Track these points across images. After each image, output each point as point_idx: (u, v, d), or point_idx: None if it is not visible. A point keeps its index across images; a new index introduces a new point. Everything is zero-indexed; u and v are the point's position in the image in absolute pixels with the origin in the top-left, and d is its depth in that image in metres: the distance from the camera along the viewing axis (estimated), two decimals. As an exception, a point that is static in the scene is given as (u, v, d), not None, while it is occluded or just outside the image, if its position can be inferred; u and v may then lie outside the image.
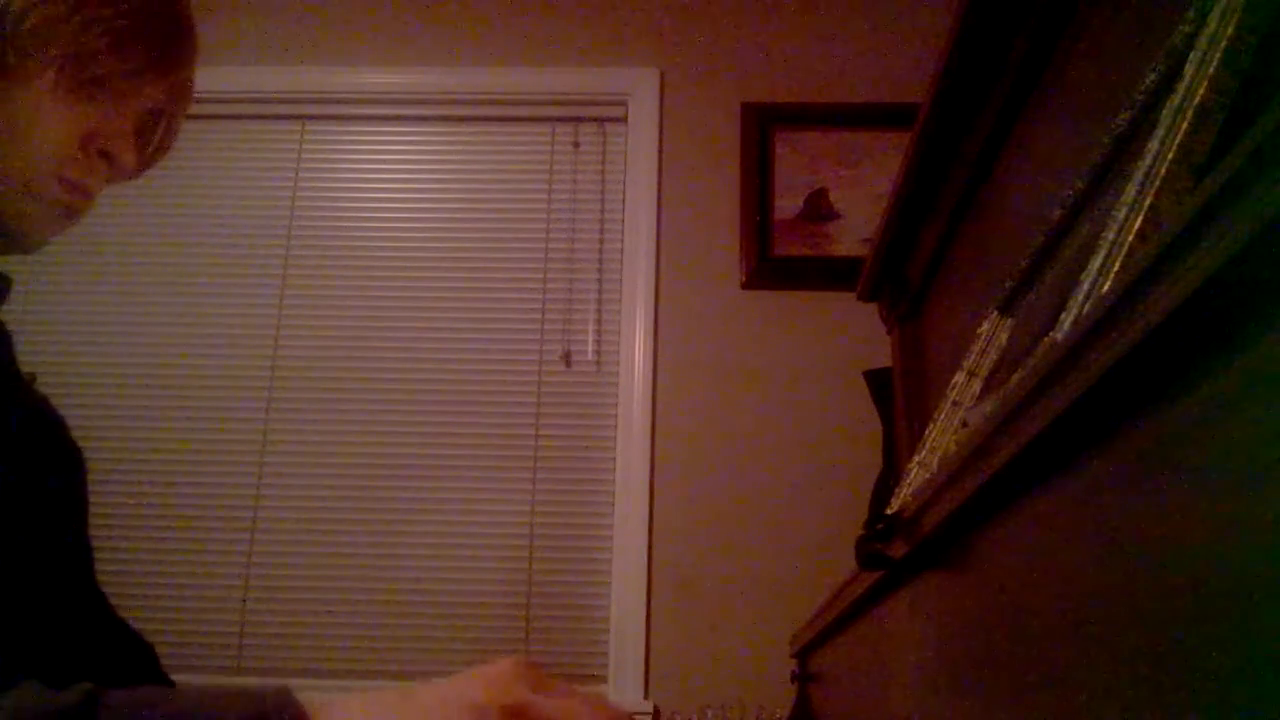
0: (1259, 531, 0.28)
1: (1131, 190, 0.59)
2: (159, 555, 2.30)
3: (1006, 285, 0.89)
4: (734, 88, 2.51)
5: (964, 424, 0.89)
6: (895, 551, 0.70)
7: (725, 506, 2.25)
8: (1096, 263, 0.60)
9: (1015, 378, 0.70)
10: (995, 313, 0.91)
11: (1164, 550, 0.34)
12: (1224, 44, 0.55)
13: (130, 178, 0.84)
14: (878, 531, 0.70)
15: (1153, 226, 0.56)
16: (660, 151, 2.48)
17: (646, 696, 2.13)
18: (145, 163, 0.86)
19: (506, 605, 2.25)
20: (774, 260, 2.39)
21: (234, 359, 2.42)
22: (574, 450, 2.34)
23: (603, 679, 2.17)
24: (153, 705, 0.50)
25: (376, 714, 0.52)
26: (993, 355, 0.89)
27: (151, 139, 0.85)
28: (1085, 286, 0.60)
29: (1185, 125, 0.55)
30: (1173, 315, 0.32)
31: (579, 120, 2.54)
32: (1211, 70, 0.55)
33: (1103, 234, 0.61)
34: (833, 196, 2.42)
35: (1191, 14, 0.61)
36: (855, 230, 2.37)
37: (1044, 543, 0.47)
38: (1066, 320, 0.62)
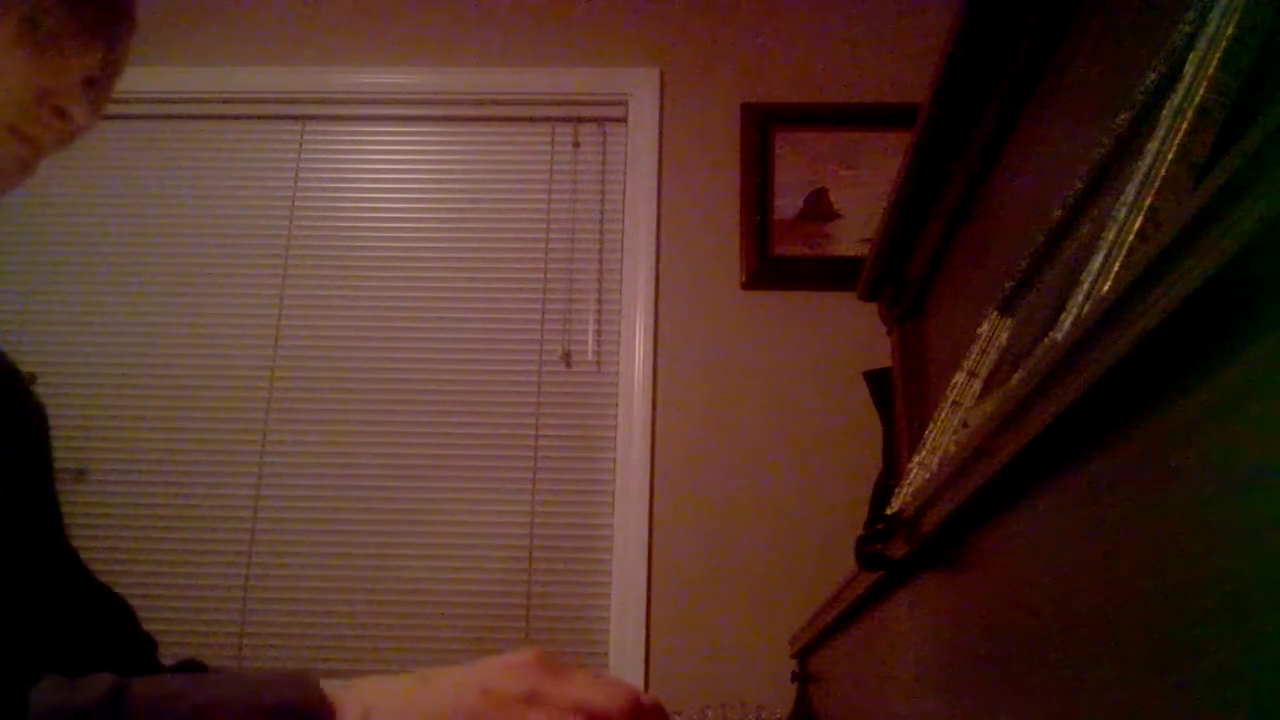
0: (1259, 531, 0.28)
1: (1131, 190, 0.59)
2: (159, 555, 2.29)
3: (1006, 285, 0.89)
4: (734, 88, 2.51)
5: (964, 424, 0.89)
6: (895, 552, 0.70)
7: (725, 506, 2.25)
8: (1096, 263, 0.60)
9: (1015, 378, 0.70)
10: (995, 313, 0.91)
11: (1164, 550, 0.34)
12: (1224, 44, 0.55)
13: (76, 138, 0.87)
14: (878, 532, 0.70)
15: (1153, 226, 0.56)
16: (660, 151, 2.47)
17: (646, 696, 2.13)
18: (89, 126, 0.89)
19: (506, 605, 2.25)
20: (774, 260, 2.39)
21: (234, 359, 2.42)
22: (574, 450, 2.34)
23: (603, 679, 2.17)
24: (177, 697, 0.51)
25: (394, 698, 0.53)
26: (993, 355, 0.89)
27: (93, 104, 0.88)
28: (1085, 286, 0.60)
29: (1185, 125, 0.55)
30: (1173, 315, 0.32)
31: (579, 120, 2.54)
32: (1211, 70, 0.55)
33: (1103, 234, 0.61)
34: (833, 196, 2.42)
35: (1191, 14, 0.61)
36: (855, 230, 2.37)
37: (1044, 543, 0.47)
38: (1066, 320, 0.62)
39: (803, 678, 1.38)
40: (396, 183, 2.54)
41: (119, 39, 0.86)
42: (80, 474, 2.31)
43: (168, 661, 0.86)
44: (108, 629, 0.85)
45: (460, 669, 0.55)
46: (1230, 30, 0.55)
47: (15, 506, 0.78)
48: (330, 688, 0.53)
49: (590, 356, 2.39)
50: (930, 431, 0.96)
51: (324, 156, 2.56)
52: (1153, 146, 0.58)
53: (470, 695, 0.52)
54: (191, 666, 0.79)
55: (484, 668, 0.54)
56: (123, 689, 0.50)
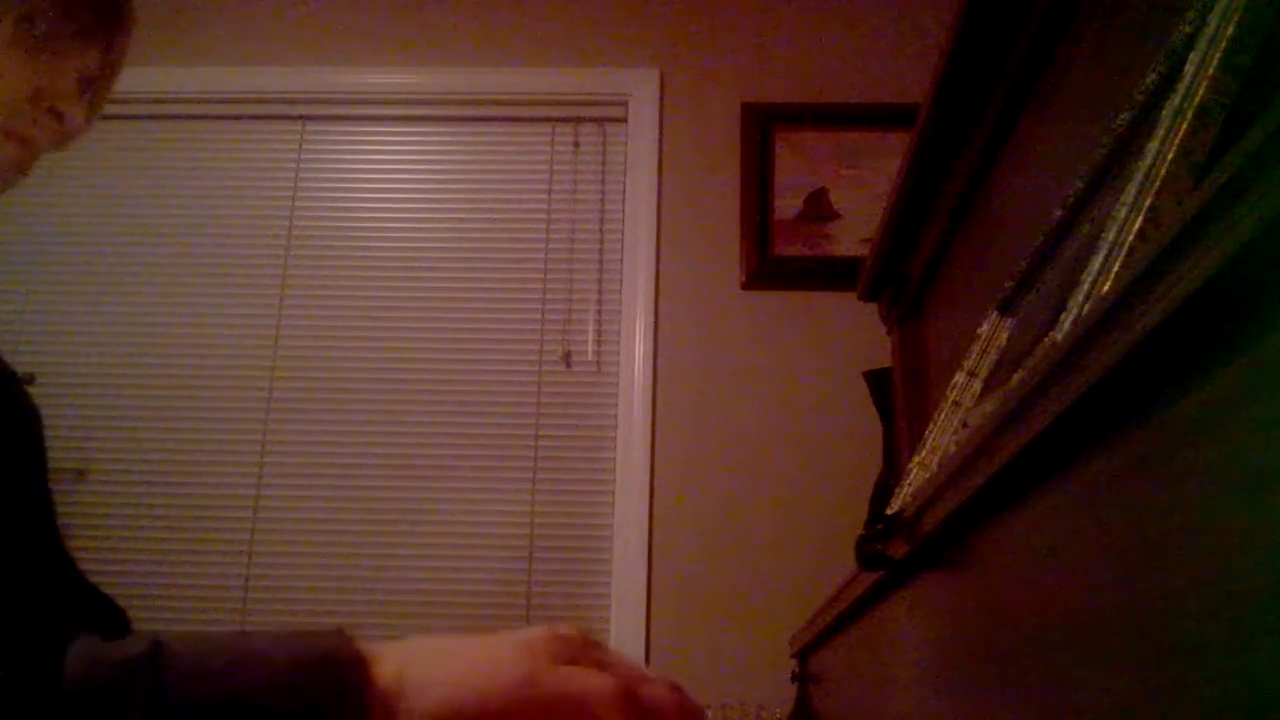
0: (1259, 532, 0.28)
1: (1131, 190, 0.59)
2: (159, 555, 2.29)
3: (1006, 285, 0.89)
4: (734, 88, 2.51)
5: (964, 424, 0.89)
6: (895, 551, 0.70)
7: (725, 506, 2.25)
8: (1096, 263, 0.60)
9: (1015, 378, 0.70)
10: (995, 313, 0.91)
11: (1164, 550, 0.34)
12: (1224, 44, 0.55)
13: (72, 139, 0.86)
14: (878, 532, 0.70)
15: (1153, 226, 0.56)
16: (660, 151, 2.48)
17: (646, 696, 2.13)
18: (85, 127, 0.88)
19: (506, 605, 2.25)
20: (774, 260, 2.39)
21: (234, 359, 2.42)
22: (574, 450, 2.34)
23: (603, 679, 2.17)
24: (213, 651, 0.52)
25: (431, 654, 0.54)
26: (993, 355, 0.89)
27: (90, 105, 0.88)
28: (1085, 286, 0.60)
29: (1185, 125, 0.55)
30: (1173, 315, 0.32)
31: (579, 120, 2.54)
32: (1211, 70, 0.55)
33: (1103, 234, 0.61)
34: (833, 196, 2.42)
35: (1191, 14, 0.61)
36: (855, 230, 2.37)
37: (1044, 543, 0.47)
38: (1066, 320, 0.62)
39: (803, 678, 1.38)
40: (396, 183, 2.54)
41: (116, 39, 0.86)
42: (80, 474, 2.31)
43: None
44: (101, 635, 0.85)
45: (497, 635, 0.56)
46: (1230, 30, 0.55)
47: (7, 508, 0.78)
48: (366, 644, 0.54)
49: (590, 357, 2.39)
50: (930, 431, 0.96)
51: (324, 156, 2.56)
52: (1153, 146, 0.58)
53: (512, 651, 0.53)
54: None
55: (522, 634, 0.55)
56: (162, 644, 0.51)
